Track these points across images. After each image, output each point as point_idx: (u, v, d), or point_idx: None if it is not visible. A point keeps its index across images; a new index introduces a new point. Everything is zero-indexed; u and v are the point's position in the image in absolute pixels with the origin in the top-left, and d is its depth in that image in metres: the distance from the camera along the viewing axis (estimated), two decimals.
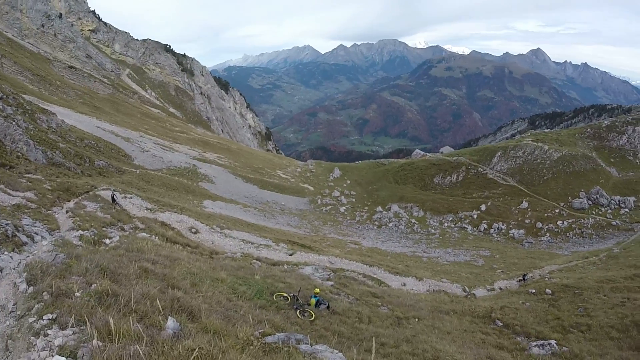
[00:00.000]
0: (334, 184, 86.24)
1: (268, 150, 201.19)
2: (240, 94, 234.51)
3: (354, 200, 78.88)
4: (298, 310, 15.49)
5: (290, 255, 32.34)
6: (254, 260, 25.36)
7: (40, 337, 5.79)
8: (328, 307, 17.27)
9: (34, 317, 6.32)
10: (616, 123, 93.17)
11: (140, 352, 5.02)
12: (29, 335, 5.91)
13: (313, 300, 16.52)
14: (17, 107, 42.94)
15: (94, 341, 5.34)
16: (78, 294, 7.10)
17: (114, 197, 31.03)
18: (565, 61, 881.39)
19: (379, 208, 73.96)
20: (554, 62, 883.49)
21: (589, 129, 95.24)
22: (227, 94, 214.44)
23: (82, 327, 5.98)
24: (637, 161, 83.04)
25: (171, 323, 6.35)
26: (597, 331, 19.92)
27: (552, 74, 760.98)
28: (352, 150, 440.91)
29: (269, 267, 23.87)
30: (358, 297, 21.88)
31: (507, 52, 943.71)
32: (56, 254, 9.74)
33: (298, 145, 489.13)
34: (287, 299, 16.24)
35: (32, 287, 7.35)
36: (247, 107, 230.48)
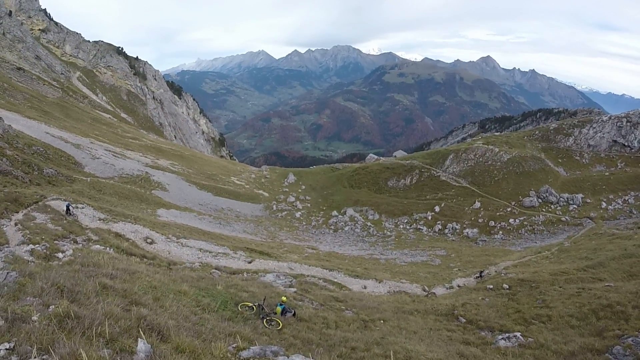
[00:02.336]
0: (289, 189, 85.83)
1: (222, 156, 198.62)
2: (194, 99, 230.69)
3: (309, 205, 78.71)
4: (265, 320, 15.11)
5: (249, 262, 31.83)
6: (214, 270, 24.76)
7: None
8: (294, 314, 16.96)
9: None
10: (563, 125, 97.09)
11: None
12: None
13: (279, 309, 16.16)
14: None
15: None
16: (36, 318, 6.51)
17: (69, 208, 29.73)
18: (514, 68, 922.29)
19: (335, 212, 74.10)
20: (503, 68, 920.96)
21: (537, 132, 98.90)
22: (180, 99, 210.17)
23: (44, 357, 5.43)
24: (584, 161, 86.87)
25: (142, 346, 5.89)
26: (557, 321, 20.46)
27: (501, 80, 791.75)
28: (306, 155, 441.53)
29: (229, 276, 23.35)
30: (322, 303, 21.67)
31: (458, 60, 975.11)
32: (7, 272, 9.07)
33: (252, 151, 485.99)
34: (253, 308, 15.83)
35: None
36: (200, 113, 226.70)
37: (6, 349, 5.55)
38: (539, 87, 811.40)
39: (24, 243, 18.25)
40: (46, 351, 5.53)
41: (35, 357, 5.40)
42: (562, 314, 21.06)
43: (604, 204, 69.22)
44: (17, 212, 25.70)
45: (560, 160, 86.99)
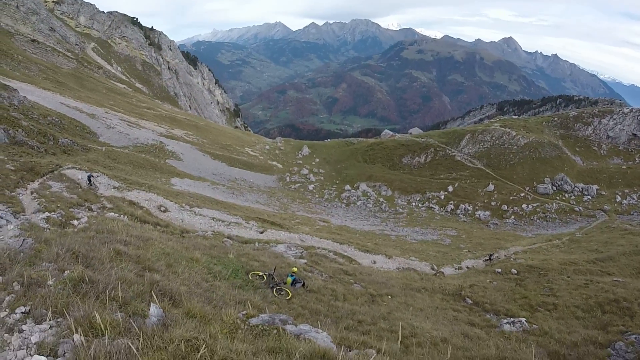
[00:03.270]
0: (303, 162, 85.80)
1: (236, 127, 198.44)
2: (209, 70, 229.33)
3: (322, 178, 78.74)
4: (274, 289, 15.30)
5: (261, 233, 32.06)
6: (226, 239, 24.92)
7: (15, 333, 5.24)
8: (304, 285, 17.14)
9: (5, 311, 5.75)
10: (583, 114, 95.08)
11: (133, 347, 4.56)
12: (2, 332, 5.34)
13: (289, 279, 16.34)
14: None
15: (76, 336, 4.84)
16: (51, 282, 6.57)
17: (90, 178, 29.83)
18: (536, 51, 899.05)
19: (348, 186, 74.09)
20: (525, 51, 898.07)
21: (556, 118, 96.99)
22: (195, 69, 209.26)
23: (59, 320, 5.49)
24: (602, 152, 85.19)
25: (154, 310, 5.95)
26: (563, 310, 20.50)
27: (522, 63, 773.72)
28: (321, 128, 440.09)
29: (241, 246, 23.53)
30: (331, 275, 21.85)
31: (479, 39, 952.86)
32: (24, 239, 9.14)
33: (267, 123, 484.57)
34: (263, 277, 16.02)
35: (0, 278, 6.70)
36: (215, 83, 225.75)
37: (22, 313, 5.64)
38: (560, 73, 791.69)
39: (40, 211, 18.40)
40: (61, 314, 5.60)
41: (50, 320, 5.48)
42: (568, 304, 21.12)
43: (618, 198, 68.31)
44: (33, 181, 25.91)
45: (577, 149, 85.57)
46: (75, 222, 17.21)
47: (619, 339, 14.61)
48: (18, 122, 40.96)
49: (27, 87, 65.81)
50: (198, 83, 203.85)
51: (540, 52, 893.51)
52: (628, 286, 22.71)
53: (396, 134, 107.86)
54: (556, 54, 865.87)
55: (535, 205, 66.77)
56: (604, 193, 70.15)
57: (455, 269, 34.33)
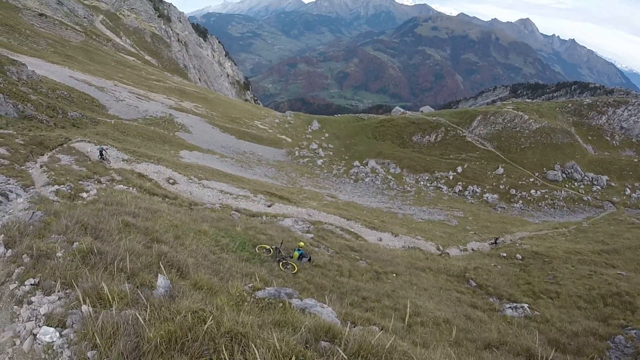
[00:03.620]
0: (312, 136, 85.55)
1: (246, 100, 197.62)
2: (219, 42, 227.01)
3: (331, 153, 78.58)
4: (281, 263, 15.40)
5: (269, 206, 32.15)
6: (233, 212, 25.07)
7: (24, 305, 5.28)
8: (310, 259, 17.24)
9: (15, 283, 5.79)
10: (598, 102, 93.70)
11: (140, 318, 4.57)
12: (12, 304, 5.39)
13: (296, 253, 16.44)
14: None
15: (84, 307, 4.87)
16: (60, 254, 6.59)
17: (102, 152, 29.80)
18: (553, 35, 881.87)
19: (356, 162, 73.95)
20: (542, 34, 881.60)
21: (570, 104, 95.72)
22: (205, 41, 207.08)
23: (67, 292, 5.52)
24: (614, 142, 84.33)
25: (162, 281, 5.97)
26: (565, 299, 20.58)
27: (538, 46, 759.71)
28: (331, 103, 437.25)
29: (248, 219, 23.65)
30: (337, 251, 21.96)
31: (495, 19, 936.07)
32: (33, 212, 9.16)
33: (277, 96, 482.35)
34: (270, 251, 16.13)
35: (10, 250, 6.75)
36: (225, 56, 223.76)
37: (31, 284, 5.68)
38: (577, 59, 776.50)
39: (49, 184, 18.41)
40: (69, 285, 5.62)
41: (58, 291, 5.50)
42: (571, 293, 21.21)
43: (628, 191, 67.97)
44: (43, 155, 25.91)
45: (589, 138, 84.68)
46: (85, 195, 17.28)
47: (619, 332, 14.62)
48: (27, 97, 40.87)
49: (36, 62, 65.45)
50: (208, 55, 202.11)
51: (558, 36, 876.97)
52: (631, 280, 22.75)
53: (407, 112, 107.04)
54: (573, 39, 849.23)
55: (543, 191, 66.50)
56: (614, 184, 69.71)
57: (461, 250, 34.43)
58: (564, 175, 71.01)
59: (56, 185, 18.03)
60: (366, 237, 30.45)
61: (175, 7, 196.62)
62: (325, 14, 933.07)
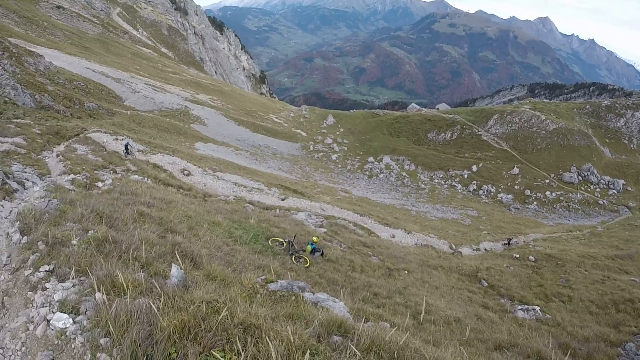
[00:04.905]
0: (327, 131, 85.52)
1: (262, 93, 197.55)
2: (235, 35, 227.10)
3: (346, 148, 78.52)
4: (293, 256, 15.43)
5: (283, 200, 32.21)
6: (247, 204, 25.15)
7: (38, 291, 5.36)
8: (322, 254, 17.23)
9: (29, 269, 5.89)
10: (616, 104, 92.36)
11: (154, 307, 4.57)
12: (26, 290, 5.49)
13: (309, 247, 16.44)
14: (3, 51, 41.41)
15: (98, 294, 4.90)
16: (75, 242, 6.67)
17: (127, 147, 29.73)
18: (572, 34, 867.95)
19: (371, 158, 73.81)
20: (561, 33, 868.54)
21: (588, 106, 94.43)
22: (221, 34, 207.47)
23: (82, 279, 5.57)
24: (632, 146, 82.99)
25: (176, 271, 5.99)
26: (577, 304, 20.40)
27: (557, 45, 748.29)
28: (347, 98, 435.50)
29: (262, 211, 23.73)
30: (350, 246, 21.93)
31: (513, 16, 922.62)
32: (49, 200, 9.26)
33: (292, 90, 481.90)
34: (283, 244, 16.17)
35: (26, 237, 6.85)
36: (241, 49, 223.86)
37: (46, 271, 5.74)
38: (596, 59, 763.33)
39: (65, 173, 18.58)
40: (84, 273, 5.68)
41: (73, 279, 5.57)
42: (583, 297, 21.01)
43: None
44: (59, 145, 26.18)
45: (607, 140, 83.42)
46: (100, 184, 17.41)
47: (630, 340, 14.47)
48: (44, 87, 41.30)
49: (53, 53, 66.05)
50: (224, 48, 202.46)
51: (577, 36, 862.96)
52: None
53: (423, 109, 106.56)
54: (593, 39, 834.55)
55: (559, 193, 65.79)
56: (630, 189, 68.76)
57: (474, 249, 34.21)
58: (580, 178, 70.13)
59: (72, 175, 18.17)
60: (379, 233, 30.37)
61: (192, 0, 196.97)
62: (342, 8, 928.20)
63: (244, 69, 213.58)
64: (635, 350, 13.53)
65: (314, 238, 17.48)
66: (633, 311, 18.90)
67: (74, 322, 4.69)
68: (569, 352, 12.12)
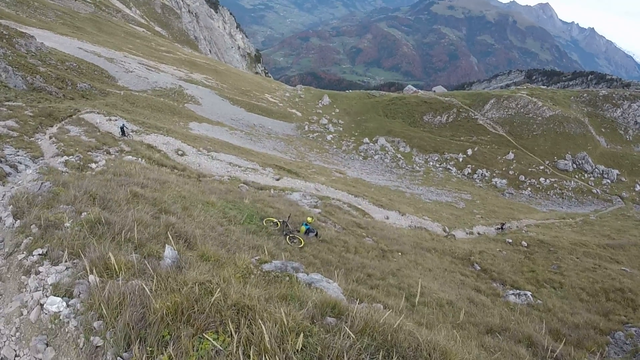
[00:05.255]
0: (323, 111, 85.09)
1: (257, 73, 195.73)
2: (230, 14, 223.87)
3: (341, 129, 78.25)
4: (288, 237, 15.40)
5: (277, 180, 32.16)
6: (242, 184, 25.13)
7: (32, 275, 5.30)
8: (317, 234, 17.24)
9: (23, 253, 5.82)
10: (613, 95, 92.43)
11: (146, 289, 4.51)
12: (20, 274, 5.44)
13: (303, 228, 16.45)
14: None
15: (91, 277, 4.84)
16: (68, 225, 6.59)
17: (124, 128, 29.47)
18: (573, 22, 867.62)
19: (366, 139, 73.67)
20: (561, 20, 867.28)
21: (585, 94, 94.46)
22: (216, 12, 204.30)
23: (75, 262, 5.52)
24: (627, 137, 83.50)
25: (169, 252, 5.93)
26: (568, 290, 20.70)
27: (557, 32, 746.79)
28: (343, 78, 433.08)
29: (256, 192, 23.73)
30: (344, 227, 21.96)
31: (513, 1, 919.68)
32: (42, 183, 9.15)
33: (288, 70, 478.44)
34: (277, 224, 16.15)
35: (19, 221, 6.76)
36: (236, 28, 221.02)
37: (39, 254, 5.68)
38: (595, 48, 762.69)
39: (58, 155, 18.54)
40: (77, 255, 5.62)
41: (66, 261, 5.50)
42: (574, 285, 21.31)
43: (638, 187, 67.54)
44: (52, 126, 25.95)
45: (603, 130, 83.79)
46: (93, 165, 17.36)
47: (619, 328, 14.63)
48: (36, 69, 40.70)
49: (44, 34, 64.81)
50: (219, 27, 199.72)
51: (577, 24, 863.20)
52: (635, 278, 22.81)
53: (419, 91, 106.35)
54: (593, 28, 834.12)
55: (553, 180, 66.14)
56: (624, 179, 69.16)
57: (467, 233, 34.43)
58: (575, 166, 70.46)
59: (65, 156, 18.13)
60: (373, 215, 30.45)
61: None
62: None
63: (239, 47, 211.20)
64: (624, 340, 13.68)
65: (309, 219, 17.46)
66: (623, 300, 19.16)
67: (68, 306, 4.64)
68: (559, 338, 12.28)
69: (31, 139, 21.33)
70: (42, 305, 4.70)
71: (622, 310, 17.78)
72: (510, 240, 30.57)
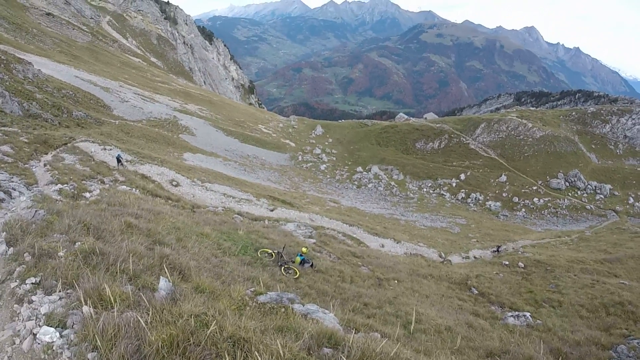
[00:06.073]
0: (316, 141, 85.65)
1: (250, 104, 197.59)
2: (225, 45, 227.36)
3: (334, 158, 78.63)
4: (283, 268, 15.35)
5: (272, 210, 32.14)
6: (236, 215, 25.08)
7: (25, 304, 5.29)
8: (312, 265, 17.18)
9: (16, 281, 5.81)
10: (602, 111, 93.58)
11: (142, 321, 4.54)
12: (12, 303, 5.40)
13: (298, 259, 16.39)
14: None
15: (85, 307, 4.86)
16: (62, 254, 6.58)
17: (120, 158, 29.72)
18: (558, 43, 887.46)
19: (359, 168, 73.94)
20: (547, 42, 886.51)
21: (574, 113, 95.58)
22: (210, 44, 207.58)
23: (69, 292, 5.53)
24: (618, 151, 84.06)
25: (164, 284, 5.95)
26: (567, 308, 20.43)
27: (543, 54, 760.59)
28: (335, 108, 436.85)
29: (251, 222, 23.69)
30: (339, 256, 21.90)
31: (500, 26, 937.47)
32: (36, 211, 9.15)
33: (281, 100, 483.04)
34: (272, 255, 16.09)
35: (12, 248, 6.76)
36: (230, 59, 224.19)
37: (32, 283, 5.67)
38: (581, 67, 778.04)
39: (53, 183, 18.50)
40: (71, 285, 5.62)
41: (59, 291, 5.50)
42: (573, 302, 21.04)
43: (631, 200, 67.57)
44: (47, 154, 26.03)
45: (593, 146, 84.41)
46: (88, 195, 17.35)
47: (622, 342, 14.48)
48: (32, 95, 41.12)
49: (42, 61, 65.80)
50: (213, 58, 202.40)
51: (562, 44, 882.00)
52: (634, 290, 22.55)
53: (411, 118, 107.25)
54: (578, 47, 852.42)
55: (546, 199, 66.27)
56: (617, 193, 69.38)
57: (463, 258, 34.26)
58: (567, 184, 70.79)
59: (59, 184, 18.08)
60: (368, 243, 30.36)
61: (181, 9, 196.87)
62: (330, 19, 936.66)
63: (232, 79, 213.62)
64: (627, 353, 13.57)
65: (303, 249, 17.43)
66: (623, 314, 18.98)
67: (61, 336, 4.63)
68: (560, 357, 12.20)
69: (26, 165, 21.34)
70: (35, 334, 4.69)
71: (623, 323, 17.62)
72: (507, 262, 30.42)
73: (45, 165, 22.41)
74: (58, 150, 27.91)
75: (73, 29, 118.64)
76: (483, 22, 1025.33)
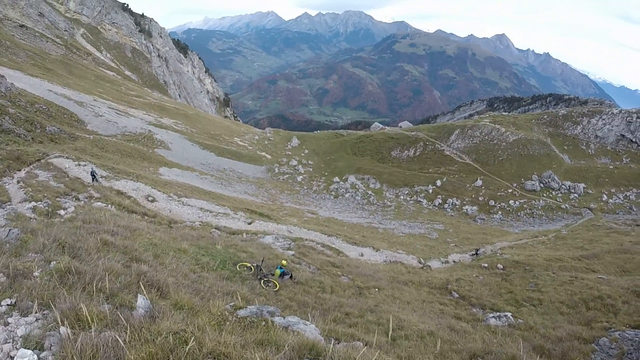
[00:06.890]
0: (292, 152, 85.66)
1: (226, 116, 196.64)
2: (199, 58, 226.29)
3: (311, 169, 78.73)
4: (262, 281, 15.30)
5: (249, 224, 31.98)
6: (214, 229, 24.91)
7: (1, 326, 5.12)
8: (291, 277, 17.14)
9: None
10: (572, 113, 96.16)
11: (120, 340, 4.48)
12: None
13: (278, 271, 16.33)
14: None
15: (62, 328, 4.76)
16: (37, 274, 6.49)
17: (94, 174, 29.35)
18: (528, 49, 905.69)
19: (336, 178, 74.18)
20: (517, 48, 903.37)
21: (545, 116, 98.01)
22: (185, 57, 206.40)
23: (45, 312, 5.41)
24: (589, 151, 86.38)
25: (142, 301, 5.88)
26: (548, 306, 20.69)
27: (514, 60, 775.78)
28: (311, 119, 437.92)
29: (228, 236, 23.53)
30: (319, 267, 21.87)
31: (472, 35, 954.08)
32: (10, 229, 9.02)
33: (256, 113, 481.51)
34: (251, 269, 16.03)
35: None
36: (205, 72, 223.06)
37: (7, 305, 5.54)
38: (551, 71, 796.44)
39: (26, 200, 18.24)
40: (47, 306, 5.52)
41: (36, 312, 5.39)
42: (553, 299, 21.31)
43: (604, 197, 69.45)
44: (20, 170, 25.64)
45: (565, 148, 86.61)
46: (62, 212, 17.11)
47: (603, 335, 14.72)
48: (5, 110, 40.30)
49: (15, 74, 64.70)
50: (188, 71, 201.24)
51: (532, 50, 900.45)
52: (612, 283, 22.95)
53: (386, 127, 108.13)
54: (548, 53, 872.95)
55: (522, 201, 67.50)
56: (591, 192, 71.15)
57: (442, 262, 34.54)
58: (542, 185, 72.30)
59: (33, 202, 17.84)
60: (347, 253, 30.38)
61: (156, 22, 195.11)
62: (305, 31, 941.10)
63: (207, 92, 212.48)
64: (609, 345, 13.79)
65: (283, 261, 17.38)
66: (603, 307, 19.24)
67: (39, 359, 4.52)
68: (543, 354, 12.36)
69: None
70: (12, 358, 4.56)
71: (603, 317, 17.85)
72: (486, 265, 30.73)
73: (18, 182, 22.06)
74: (31, 166, 27.51)
75: (47, 42, 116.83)
76: (455, 31, 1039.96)
